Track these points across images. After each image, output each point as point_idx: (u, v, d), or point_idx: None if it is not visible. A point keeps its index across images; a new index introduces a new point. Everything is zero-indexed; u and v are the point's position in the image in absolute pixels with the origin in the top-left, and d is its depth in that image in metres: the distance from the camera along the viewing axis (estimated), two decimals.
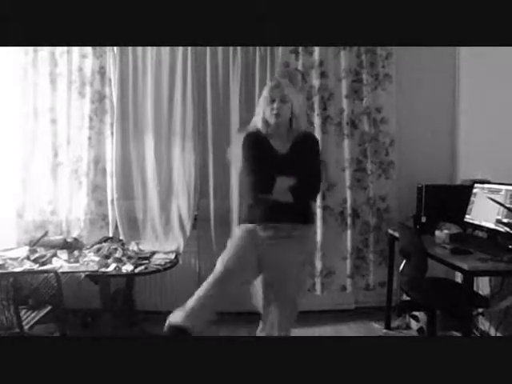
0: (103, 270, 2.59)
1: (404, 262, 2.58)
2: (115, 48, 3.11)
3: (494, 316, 2.63)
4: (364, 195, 3.21)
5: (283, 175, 1.95)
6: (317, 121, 3.13)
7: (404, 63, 3.21)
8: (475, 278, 2.33)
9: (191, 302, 1.95)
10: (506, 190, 2.37)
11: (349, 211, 3.18)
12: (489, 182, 2.62)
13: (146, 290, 3.24)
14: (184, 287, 3.25)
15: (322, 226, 3.16)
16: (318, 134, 3.12)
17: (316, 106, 3.13)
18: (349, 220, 3.18)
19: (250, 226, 2.05)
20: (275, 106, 1.98)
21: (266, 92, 2.04)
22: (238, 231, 2.10)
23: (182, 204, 3.16)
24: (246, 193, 2.09)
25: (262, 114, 2.04)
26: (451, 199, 2.81)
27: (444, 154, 3.33)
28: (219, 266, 1.98)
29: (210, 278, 1.96)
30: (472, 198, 2.65)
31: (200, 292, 1.94)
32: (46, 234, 3.08)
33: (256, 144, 2.04)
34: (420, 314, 2.94)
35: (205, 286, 1.96)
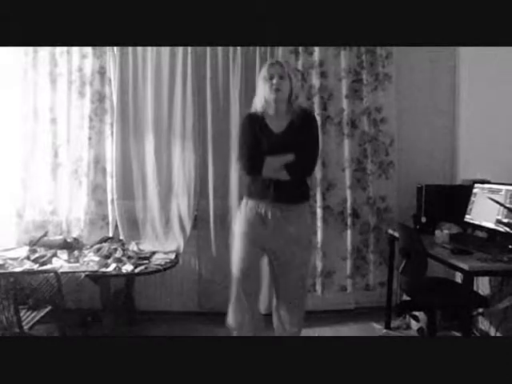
0: (103, 270, 2.59)
1: (404, 261, 2.57)
2: (115, 48, 3.11)
3: (494, 316, 2.63)
4: (364, 195, 3.21)
5: (277, 154, 2.00)
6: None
7: (404, 63, 3.21)
8: (475, 278, 2.34)
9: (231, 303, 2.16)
10: (506, 190, 2.37)
11: (349, 211, 3.18)
12: (489, 182, 2.62)
13: (145, 289, 3.24)
14: (184, 287, 3.27)
15: (322, 226, 3.16)
16: None
17: (316, 105, 3.13)
18: (349, 220, 3.18)
19: (251, 204, 2.10)
20: (274, 81, 2.03)
21: (264, 71, 2.08)
22: (242, 210, 2.15)
23: (181, 204, 3.16)
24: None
25: (261, 93, 2.08)
26: (451, 199, 2.81)
27: (444, 154, 3.32)
28: (234, 265, 2.13)
29: (234, 277, 2.13)
30: (472, 198, 2.65)
31: (232, 295, 2.14)
32: (46, 234, 3.08)
33: (250, 125, 2.09)
34: (420, 314, 2.93)
35: (233, 287, 2.14)
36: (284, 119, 2.08)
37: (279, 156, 2.00)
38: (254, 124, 2.08)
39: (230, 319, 2.18)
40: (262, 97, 2.07)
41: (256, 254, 2.12)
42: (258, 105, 2.11)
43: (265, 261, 2.24)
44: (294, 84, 2.07)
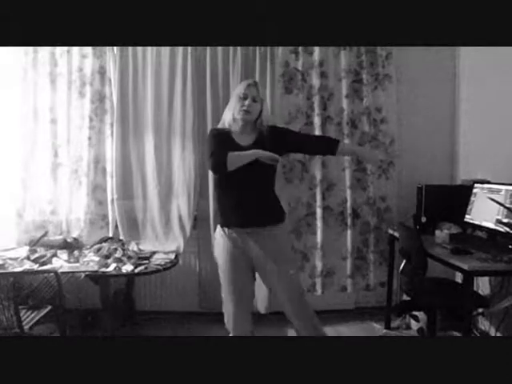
0: (103, 269, 2.59)
1: (404, 261, 2.58)
2: (115, 48, 3.10)
3: (494, 316, 2.63)
4: (364, 195, 3.21)
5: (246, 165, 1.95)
6: (317, 121, 3.13)
7: (404, 63, 3.21)
8: (475, 278, 2.34)
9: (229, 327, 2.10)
10: (506, 190, 2.37)
11: (349, 211, 3.17)
12: (489, 182, 2.62)
13: (145, 289, 3.24)
14: (184, 287, 3.28)
15: (322, 226, 3.16)
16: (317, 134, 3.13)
17: (316, 105, 3.13)
18: (349, 220, 3.18)
19: (225, 232, 2.07)
20: (246, 103, 2.03)
21: (240, 88, 2.08)
22: (218, 240, 2.11)
23: (181, 204, 3.15)
24: (214, 189, 2.14)
25: (232, 111, 2.08)
26: (451, 199, 2.81)
27: (444, 154, 3.32)
28: (227, 294, 2.07)
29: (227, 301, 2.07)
30: (472, 198, 2.65)
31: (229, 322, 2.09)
32: (46, 233, 3.08)
33: (217, 136, 2.06)
34: (420, 314, 2.94)
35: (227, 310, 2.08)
36: (250, 136, 2.08)
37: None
38: (220, 136, 2.06)
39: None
40: (231, 114, 2.08)
41: (247, 283, 2.10)
42: (226, 120, 2.11)
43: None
44: (264, 108, 2.09)
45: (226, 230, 2.06)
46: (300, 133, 2.12)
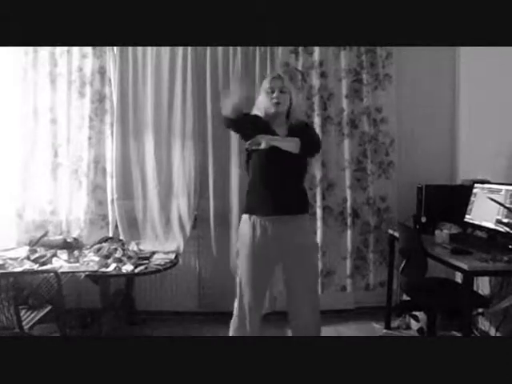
0: (103, 269, 2.59)
1: (404, 261, 2.57)
2: (115, 48, 3.11)
3: (494, 316, 2.63)
4: (364, 195, 3.21)
5: (281, 153, 1.96)
6: (317, 121, 3.13)
7: (404, 63, 3.21)
8: (475, 278, 2.33)
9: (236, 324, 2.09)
10: (506, 190, 2.37)
11: (349, 211, 3.18)
12: (489, 182, 2.62)
13: (146, 290, 3.24)
14: (184, 287, 3.28)
15: (322, 226, 3.15)
16: None
17: (316, 105, 3.13)
18: (349, 220, 3.18)
19: (251, 220, 2.05)
20: (275, 95, 2.05)
21: (265, 83, 2.10)
22: (244, 228, 2.08)
23: (181, 204, 3.16)
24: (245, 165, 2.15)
25: (261, 106, 2.09)
26: (451, 199, 2.81)
27: (444, 154, 3.33)
28: (245, 283, 2.05)
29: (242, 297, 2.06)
30: (472, 198, 2.65)
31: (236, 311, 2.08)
32: (46, 233, 3.08)
33: (254, 115, 2.09)
34: (420, 314, 2.94)
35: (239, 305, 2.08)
36: (283, 129, 2.10)
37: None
38: (257, 117, 2.08)
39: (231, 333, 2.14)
40: (262, 109, 2.08)
41: (267, 274, 2.11)
42: (257, 113, 2.11)
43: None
44: (293, 97, 2.10)
45: (256, 218, 2.03)
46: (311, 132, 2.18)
